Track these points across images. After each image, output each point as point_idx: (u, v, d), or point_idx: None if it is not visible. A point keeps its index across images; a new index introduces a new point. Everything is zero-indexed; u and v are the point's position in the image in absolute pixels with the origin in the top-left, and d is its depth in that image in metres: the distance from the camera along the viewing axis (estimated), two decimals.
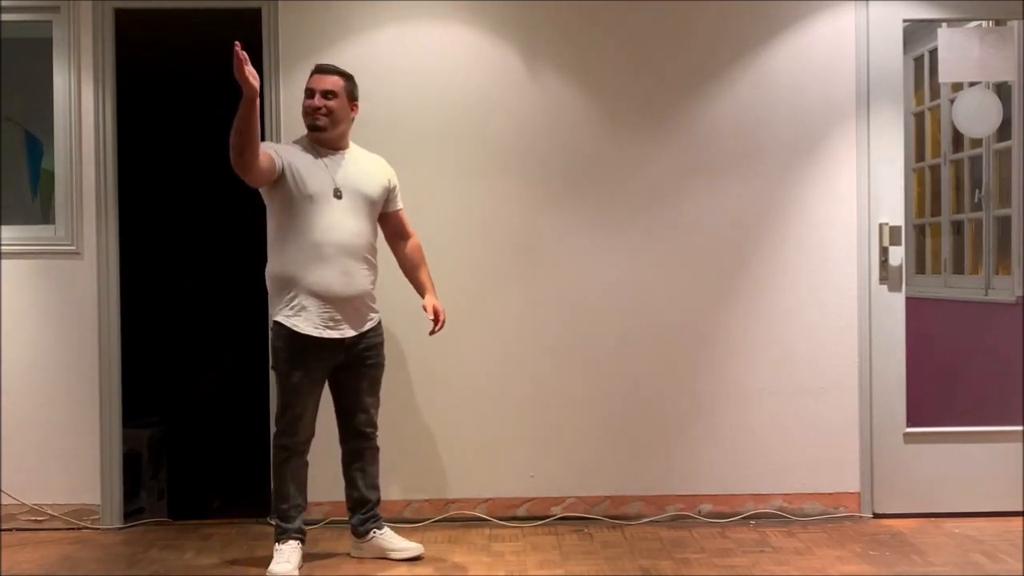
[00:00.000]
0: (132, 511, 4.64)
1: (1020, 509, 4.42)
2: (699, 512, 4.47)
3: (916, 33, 5.17)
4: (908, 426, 4.49)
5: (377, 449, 4.02)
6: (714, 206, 4.48)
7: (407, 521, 4.40)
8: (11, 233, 4.49)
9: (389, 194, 3.94)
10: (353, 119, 3.90)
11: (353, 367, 3.85)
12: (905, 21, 4.50)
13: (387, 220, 3.98)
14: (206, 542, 4.25)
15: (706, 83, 4.48)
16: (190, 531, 4.43)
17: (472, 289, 4.39)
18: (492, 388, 4.48)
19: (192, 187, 6.60)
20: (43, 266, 4.46)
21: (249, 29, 4.49)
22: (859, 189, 4.47)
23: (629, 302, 4.48)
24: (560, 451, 4.48)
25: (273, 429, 3.88)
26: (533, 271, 4.48)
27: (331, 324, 3.74)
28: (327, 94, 3.79)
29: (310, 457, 4.46)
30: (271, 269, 3.82)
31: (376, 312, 3.91)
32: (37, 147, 4.63)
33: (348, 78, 3.87)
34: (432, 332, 3.96)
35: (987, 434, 4.51)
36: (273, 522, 3.92)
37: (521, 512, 4.47)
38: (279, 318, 3.76)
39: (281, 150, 3.80)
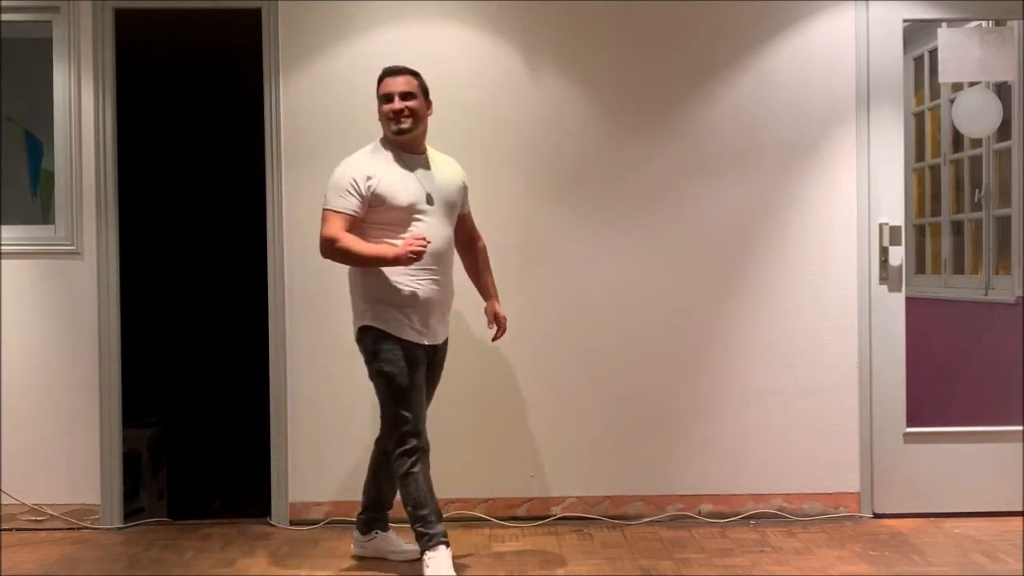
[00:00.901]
0: (132, 511, 4.63)
1: (1020, 509, 4.42)
2: (699, 512, 4.47)
3: (916, 33, 5.18)
4: (908, 426, 4.48)
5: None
6: (714, 206, 4.48)
7: (407, 521, 4.38)
8: (11, 233, 4.48)
9: (463, 196, 3.89)
10: (429, 116, 3.80)
11: (426, 373, 3.76)
12: (905, 21, 4.50)
13: (460, 222, 3.89)
14: (206, 542, 4.25)
15: (706, 83, 4.48)
16: (190, 531, 4.43)
17: (471, 288, 4.38)
18: (492, 388, 4.47)
19: (192, 187, 6.60)
20: (43, 266, 4.46)
21: (249, 29, 4.50)
22: (859, 189, 4.47)
23: (629, 301, 4.48)
24: (560, 451, 4.48)
25: (390, 443, 3.68)
26: (533, 270, 4.48)
27: (424, 331, 3.67)
28: (406, 95, 3.69)
29: (306, 456, 4.48)
30: (369, 276, 3.65)
31: (447, 320, 3.85)
32: (37, 147, 4.63)
33: (418, 76, 3.77)
34: (495, 339, 3.98)
35: (987, 434, 4.51)
36: (417, 531, 3.68)
37: (521, 512, 4.47)
38: (385, 327, 3.62)
39: (371, 180, 3.61)
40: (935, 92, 5.70)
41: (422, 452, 3.67)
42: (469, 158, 4.44)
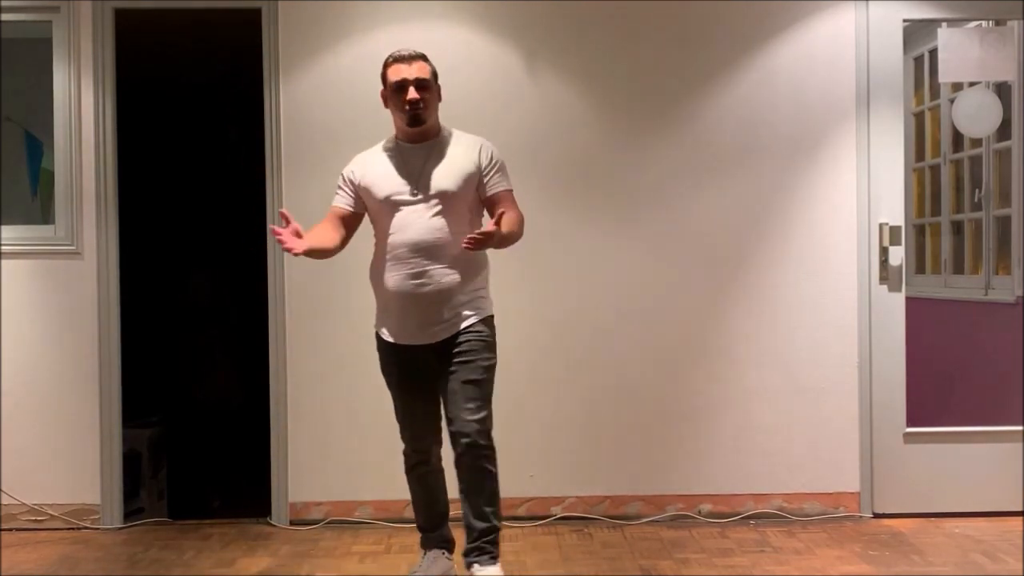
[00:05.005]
0: (132, 511, 4.63)
1: (1020, 509, 4.42)
2: (699, 512, 4.47)
3: (916, 33, 5.17)
4: (908, 426, 4.49)
5: (482, 470, 3.39)
6: (714, 206, 4.48)
7: (407, 521, 4.38)
8: (11, 233, 4.49)
9: (480, 179, 3.46)
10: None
11: (446, 373, 3.42)
12: (905, 21, 4.51)
13: (488, 205, 3.51)
14: (206, 542, 4.25)
15: (706, 83, 4.48)
16: (190, 531, 4.43)
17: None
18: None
19: (192, 187, 6.60)
20: (43, 266, 4.46)
21: (249, 29, 4.50)
22: (859, 189, 4.47)
23: (629, 301, 4.48)
24: (560, 451, 4.48)
25: None
26: (533, 271, 4.47)
27: (411, 329, 3.43)
28: (421, 84, 3.38)
29: (306, 456, 4.47)
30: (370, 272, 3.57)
31: (472, 312, 3.43)
32: (37, 147, 4.63)
33: (428, 59, 3.47)
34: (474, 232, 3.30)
35: (987, 434, 4.51)
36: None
37: (521, 512, 4.46)
38: (374, 325, 3.56)
39: (356, 174, 3.50)
40: (935, 92, 5.70)
41: (410, 459, 3.61)
42: None
